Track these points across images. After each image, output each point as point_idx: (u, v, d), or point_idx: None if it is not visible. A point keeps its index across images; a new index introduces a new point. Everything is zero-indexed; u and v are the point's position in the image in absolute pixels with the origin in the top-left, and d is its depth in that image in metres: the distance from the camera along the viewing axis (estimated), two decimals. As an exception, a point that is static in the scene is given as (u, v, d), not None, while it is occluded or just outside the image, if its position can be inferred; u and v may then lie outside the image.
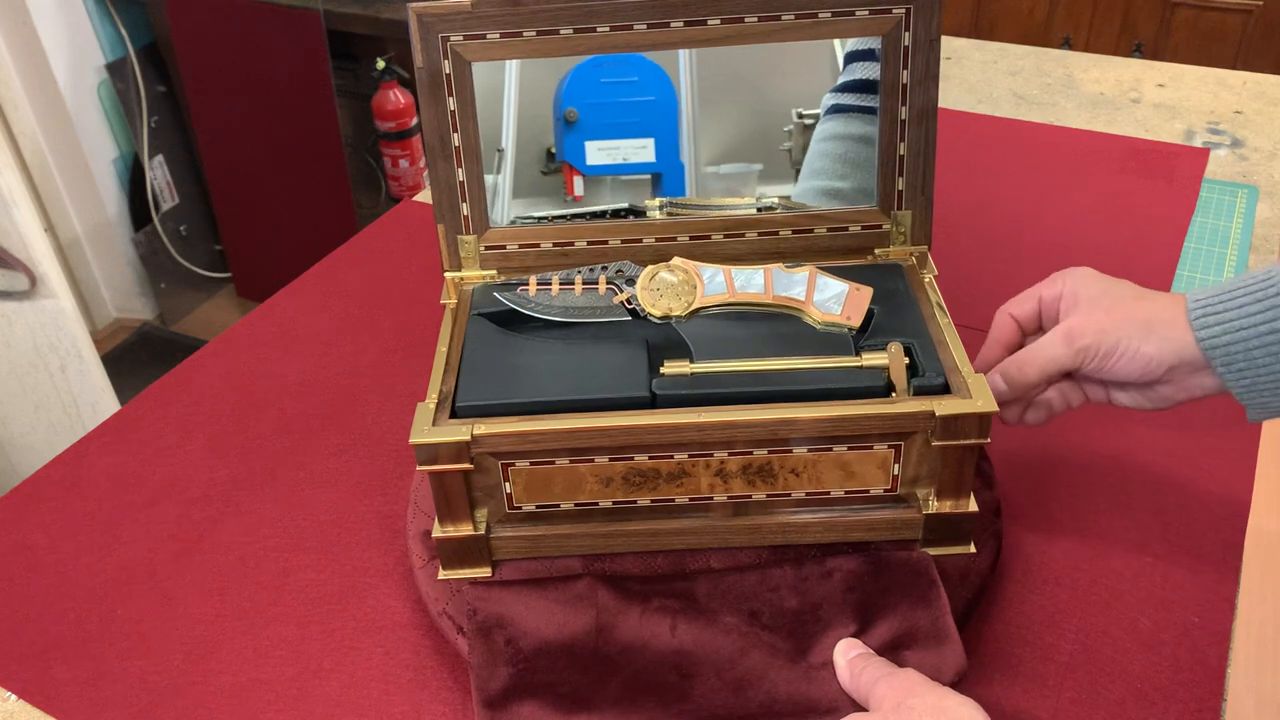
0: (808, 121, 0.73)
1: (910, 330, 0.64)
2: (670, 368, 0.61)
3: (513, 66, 0.72)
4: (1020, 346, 0.66)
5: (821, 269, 0.66)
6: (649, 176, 0.74)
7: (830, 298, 0.64)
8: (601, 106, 0.71)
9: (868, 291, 0.65)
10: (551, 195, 0.74)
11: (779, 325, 0.65)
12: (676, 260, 0.66)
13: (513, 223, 0.73)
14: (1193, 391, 0.60)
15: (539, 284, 0.67)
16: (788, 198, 0.73)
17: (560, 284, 0.67)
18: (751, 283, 0.65)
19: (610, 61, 0.70)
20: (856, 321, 0.63)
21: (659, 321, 0.65)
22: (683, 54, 0.71)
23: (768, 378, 0.61)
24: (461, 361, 0.64)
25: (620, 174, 0.74)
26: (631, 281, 0.65)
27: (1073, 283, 0.64)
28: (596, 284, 0.66)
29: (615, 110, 0.72)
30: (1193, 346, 0.58)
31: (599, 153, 0.73)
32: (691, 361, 0.62)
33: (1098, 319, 0.61)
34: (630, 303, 0.65)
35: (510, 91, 0.72)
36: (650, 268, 0.66)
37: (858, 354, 0.62)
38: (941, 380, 0.60)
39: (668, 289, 0.65)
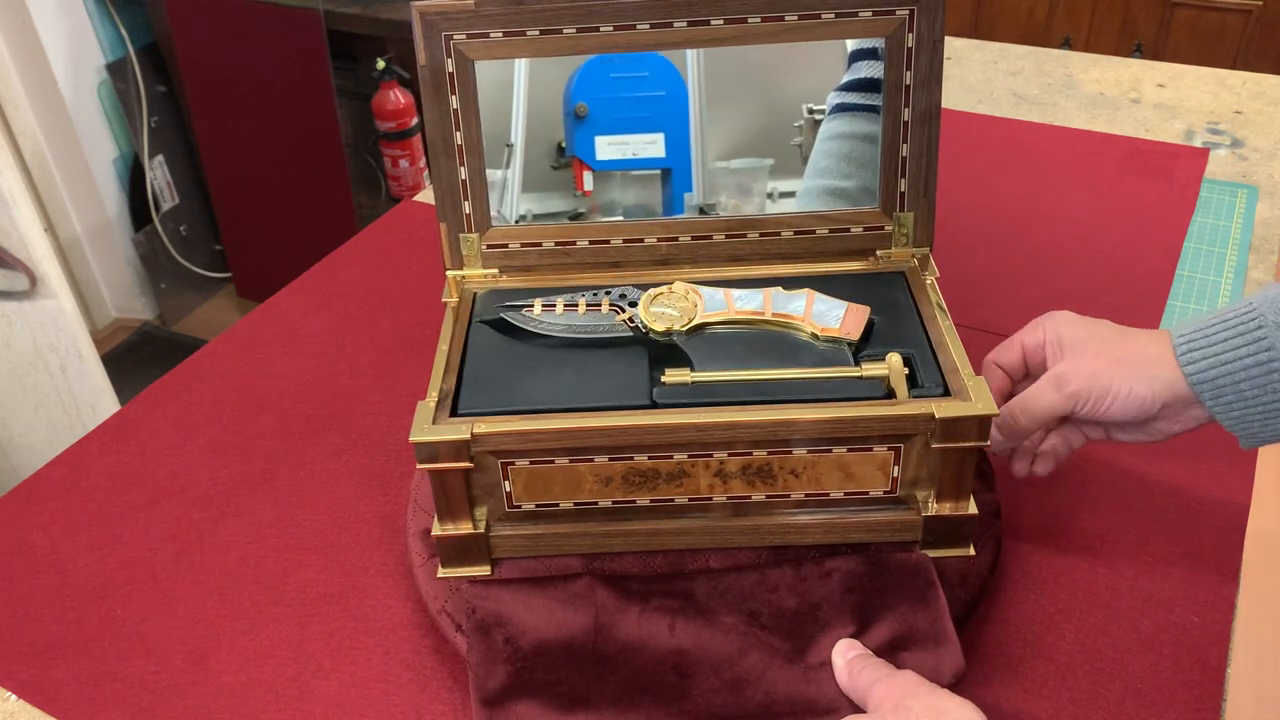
0: (818, 117, 0.73)
1: (911, 341, 0.64)
2: (671, 376, 0.61)
3: (522, 62, 0.71)
4: (1011, 394, 0.66)
5: (819, 292, 0.67)
6: (659, 172, 0.74)
7: (828, 314, 0.65)
8: (612, 101, 0.71)
9: (865, 309, 0.65)
10: (561, 190, 0.74)
11: (779, 339, 0.65)
12: (677, 283, 0.67)
13: (522, 218, 0.73)
14: (1187, 424, 0.61)
15: (544, 305, 0.67)
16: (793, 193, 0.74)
17: (564, 305, 0.67)
18: (751, 301, 0.66)
19: (620, 57, 0.70)
20: (855, 335, 0.64)
21: (660, 337, 0.65)
22: (692, 50, 0.71)
23: (767, 388, 0.61)
24: (464, 368, 0.64)
25: (630, 169, 0.74)
26: (634, 304, 0.66)
27: (1054, 327, 0.64)
28: (599, 305, 0.67)
29: (625, 105, 0.72)
30: (1182, 382, 0.59)
31: (609, 148, 0.73)
32: (692, 370, 0.62)
33: (1086, 363, 0.61)
34: (632, 321, 0.66)
35: (520, 86, 0.72)
36: (651, 290, 0.67)
37: (857, 365, 0.62)
38: (940, 391, 0.60)
39: (669, 307, 0.65)
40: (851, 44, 0.71)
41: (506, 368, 0.64)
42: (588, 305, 0.67)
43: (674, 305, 0.66)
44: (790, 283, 0.69)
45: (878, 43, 0.67)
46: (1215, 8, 2.11)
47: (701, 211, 0.73)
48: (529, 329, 0.67)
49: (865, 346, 0.64)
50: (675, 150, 0.73)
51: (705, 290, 0.66)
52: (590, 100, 0.71)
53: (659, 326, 0.65)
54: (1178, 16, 2.15)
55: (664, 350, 0.65)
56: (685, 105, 0.72)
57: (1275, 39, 2.08)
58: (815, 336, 0.64)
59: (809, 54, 0.72)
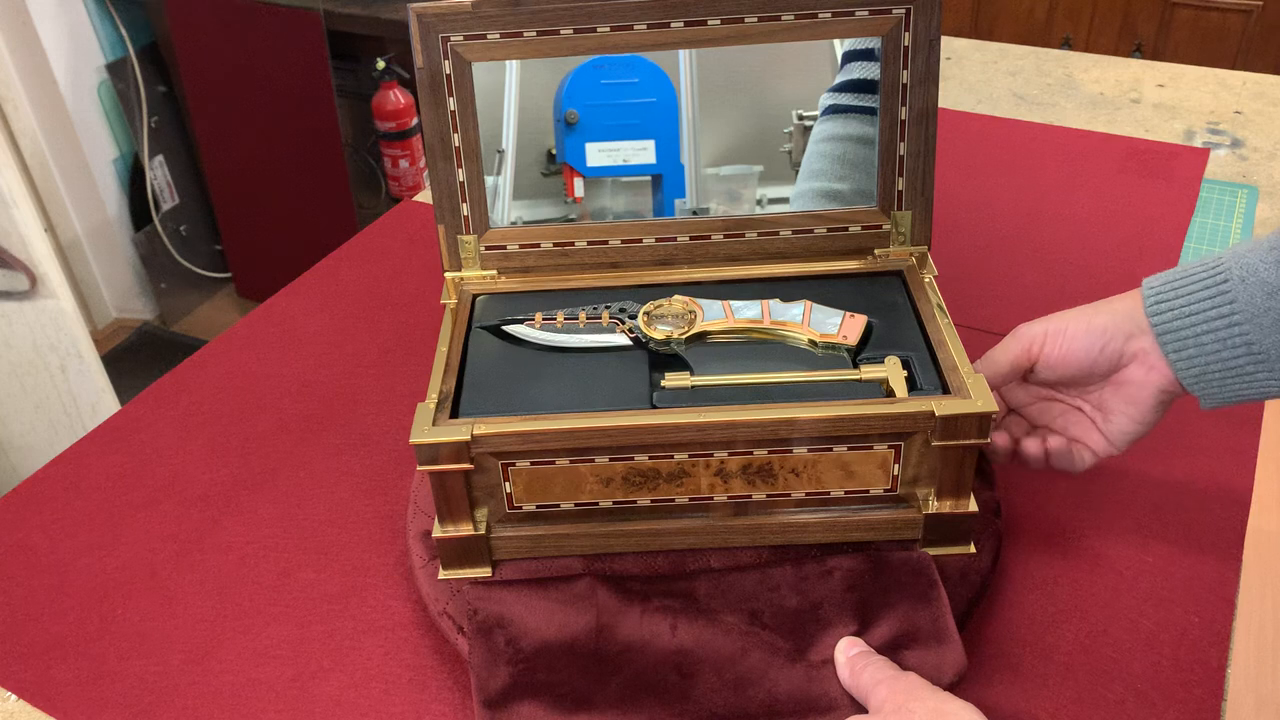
0: (807, 123, 0.73)
1: (909, 344, 0.64)
2: (671, 380, 0.62)
3: (513, 68, 0.72)
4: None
5: (818, 295, 0.67)
6: (649, 178, 0.74)
7: (826, 321, 0.65)
8: (602, 108, 0.72)
9: (862, 318, 0.65)
10: (552, 197, 0.74)
11: (777, 347, 0.65)
12: (676, 296, 0.67)
13: (514, 224, 0.73)
14: (1151, 376, 0.60)
15: (544, 318, 0.67)
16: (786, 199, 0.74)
17: (564, 318, 0.67)
18: (749, 311, 0.66)
19: (611, 63, 0.70)
20: (853, 340, 0.64)
21: (660, 347, 0.65)
22: (683, 56, 0.71)
23: (767, 391, 0.61)
24: (464, 375, 0.64)
25: (621, 175, 0.74)
26: (633, 317, 0.66)
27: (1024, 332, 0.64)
28: (599, 318, 0.67)
29: (616, 112, 0.72)
30: (1141, 313, 0.59)
31: (599, 154, 0.73)
32: (692, 375, 0.62)
33: (1056, 320, 0.62)
34: (632, 332, 0.66)
35: (511, 93, 0.72)
36: (650, 303, 0.67)
37: (856, 368, 0.62)
38: (939, 391, 0.60)
39: (668, 317, 0.66)
40: (844, 45, 0.71)
41: (507, 374, 0.64)
42: (588, 318, 0.67)
43: (673, 316, 0.66)
44: (788, 282, 0.69)
45: (870, 43, 0.67)
46: (1215, 8, 2.11)
47: (694, 215, 0.73)
48: (530, 341, 0.67)
49: (864, 351, 0.64)
50: (666, 156, 0.73)
51: (704, 302, 0.67)
52: (581, 107, 0.71)
53: (658, 335, 0.65)
54: (1178, 16, 2.15)
55: (664, 359, 0.65)
56: (675, 111, 0.72)
57: (1275, 39, 2.08)
58: (813, 343, 0.64)
59: (798, 59, 0.72)
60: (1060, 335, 0.61)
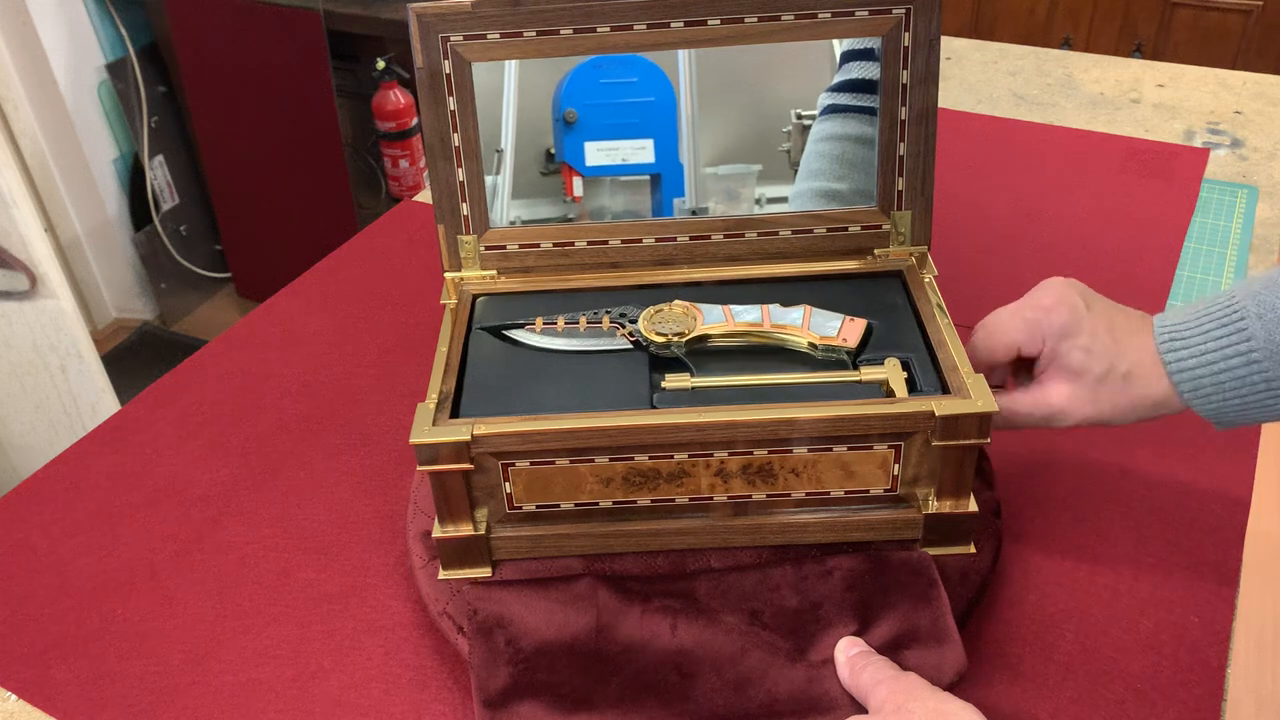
0: (806, 122, 0.73)
1: (909, 345, 0.64)
2: (671, 382, 0.62)
3: (512, 67, 0.72)
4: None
5: (818, 295, 0.67)
6: (648, 177, 0.74)
7: (826, 325, 0.65)
8: (601, 107, 0.72)
9: (862, 321, 0.65)
10: (551, 196, 0.74)
11: (778, 350, 0.65)
12: (676, 302, 0.67)
13: (512, 223, 0.73)
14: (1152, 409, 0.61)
15: (545, 323, 0.67)
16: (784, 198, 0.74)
17: (565, 323, 0.67)
18: (749, 315, 0.66)
19: (610, 62, 0.70)
20: (853, 342, 0.64)
21: (661, 350, 0.65)
22: (682, 55, 0.71)
23: (767, 392, 0.61)
24: (464, 376, 0.64)
25: (619, 175, 0.74)
26: (634, 320, 0.67)
27: (1052, 338, 0.62)
28: (600, 323, 0.67)
29: (614, 111, 0.72)
30: (1166, 382, 0.59)
31: (598, 153, 0.73)
32: (692, 376, 0.62)
33: (1082, 406, 0.61)
34: (633, 336, 0.66)
35: (509, 92, 0.72)
36: (651, 308, 0.67)
37: (856, 369, 0.62)
38: (939, 394, 0.60)
39: (668, 321, 0.66)
40: (842, 45, 0.71)
41: (507, 375, 0.64)
42: (588, 323, 0.67)
43: (673, 321, 0.66)
44: (788, 282, 0.69)
45: (869, 43, 0.67)
46: (1215, 8, 2.11)
47: (694, 214, 0.73)
48: (531, 344, 0.67)
49: (864, 352, 0.64)
50: (664, 156, 0.73)
51: (704, 306, 0.67)
52: (579, 106, 0.71)
53: (659, 340, 0.65)
54: (1178, 16, 2.15)
55: (664, 362, 0.65)
56: (674, 111, 0.72)
57: (1275, 39, 2.08)
58: (813, 346, 0.64)
59: (797, 59, 0.72)
60: (1087, 420, 0.62)
